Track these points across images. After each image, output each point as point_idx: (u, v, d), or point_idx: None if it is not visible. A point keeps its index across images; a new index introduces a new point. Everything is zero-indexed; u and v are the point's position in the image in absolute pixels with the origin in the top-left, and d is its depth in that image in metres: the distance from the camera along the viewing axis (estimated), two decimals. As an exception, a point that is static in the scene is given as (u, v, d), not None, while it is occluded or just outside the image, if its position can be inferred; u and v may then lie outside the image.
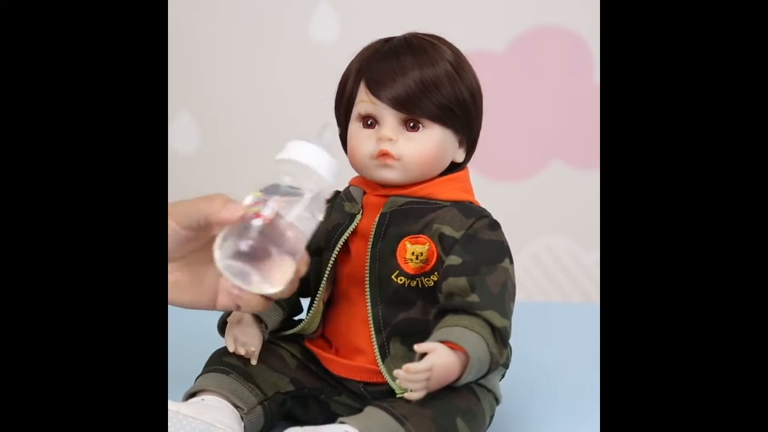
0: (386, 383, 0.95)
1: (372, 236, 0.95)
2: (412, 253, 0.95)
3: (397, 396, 0.91)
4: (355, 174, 0.99)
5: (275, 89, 1.94)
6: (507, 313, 0.92)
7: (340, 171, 0.88)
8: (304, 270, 0.87)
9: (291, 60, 1.92)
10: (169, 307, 0.92)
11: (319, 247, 0.98)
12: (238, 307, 0.90)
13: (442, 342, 0.87)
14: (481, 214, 0.95)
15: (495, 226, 0.95)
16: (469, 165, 1.01)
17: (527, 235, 1.94)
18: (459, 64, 0.96)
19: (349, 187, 1.00)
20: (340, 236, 0.97)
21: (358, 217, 0.97)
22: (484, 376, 0.91)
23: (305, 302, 1.01)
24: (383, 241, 0.95)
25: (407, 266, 0.95)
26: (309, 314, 0.99)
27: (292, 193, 0.85)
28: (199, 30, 1.93)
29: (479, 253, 0.93)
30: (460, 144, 0.98)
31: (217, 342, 0.99)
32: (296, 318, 1.02)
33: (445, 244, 0.94)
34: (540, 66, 1.91)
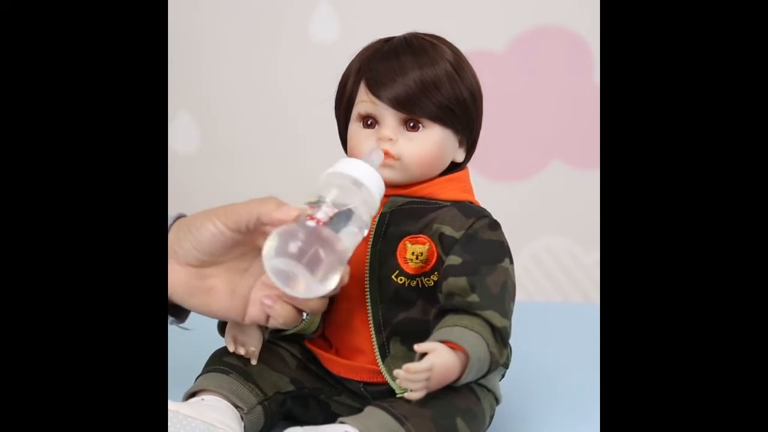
0: (386, 383, 0.95)
1: (372, 236, 0.95)
2: (412, 253, 0.95)
3: (397, 396, 0.91)
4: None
5: (275, 89, 1.94)
6: (507, 313, 0.92)
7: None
8: (346, 280, 0.89)
9: (291, 60, 1.92)
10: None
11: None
12: (267, 320, 0.91)
13: (442, 342, 0.87)
14: (481, 214, 0.95)
15: (495, 226, 0.95)
16: (469, 165, 1.01)
17: (527, 235, 1.94)
18: (459, 64, 0.96)
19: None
20: (341, 236, 0.97)
21: (359, 217, 0.97)
22: (484, 376, 0.91)
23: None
24: (383, 241, 0.95)
25: (407, 266, 0.95)
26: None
27: (342, 205, 0.87)
28: (199, 30, 1.93)
29: (479, 253, 0.93)
30: (460, 144, 0.98)
31: (217, 342, 0.99)
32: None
33: (445, 244, 0.94)
34: (540, 66, 1.91)
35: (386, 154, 0.94)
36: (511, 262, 0.95)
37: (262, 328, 0.98)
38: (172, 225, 0.91)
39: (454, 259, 0.93)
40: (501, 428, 1.00)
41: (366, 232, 0.90)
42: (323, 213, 0.86)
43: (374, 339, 0.96)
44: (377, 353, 0.95)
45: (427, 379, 0.86)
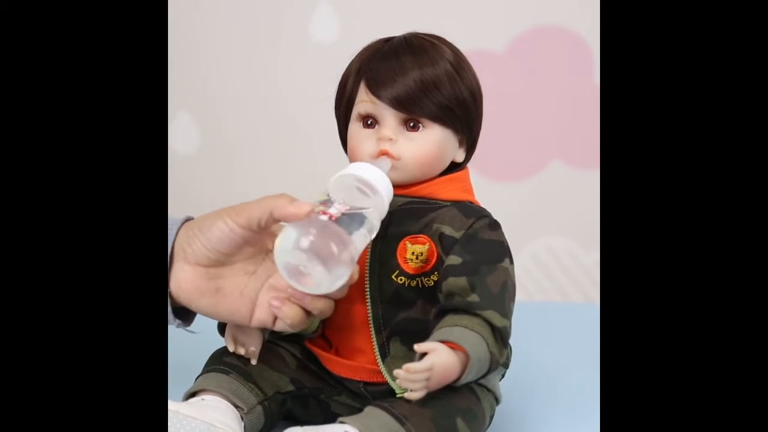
0: (386, 383, 0.95)
1: (372, 236, 0.95)
2: (412, 253, 0.95)
3: (397, 396, 0.91)
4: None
5: (275, 89, 1.94)
6: (507, 313, 0.92)
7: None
8: (356, 278, 0.89)
9: (291, 60, 1.92)
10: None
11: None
12: (274, 323, 0.91)
13: (442, 342, 0.87)
14: (481, 214, 0.95)
15: (495, 226, 0.95)
16: (469, 165, 1.01)
17: (527, 235, 1.94)
18: (459, 64, 0.96)
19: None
20: (341, 236, 0.97)
21: (359, 217, 0.97)
22: (484, 376, 0.91)
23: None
24: (383, 241, 0.95)
25: (407, 266, 0.95)
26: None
27: (354, 207, 0.88)
28: (199, 30, 1.93)
29: (479, 252, 0.93)
30: (460, 144, 0.98)
31: (217, 342, 0.99)
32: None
33: (445, 243, 0.94)
34: (540, 66, 1.91)
35: (386, 154, 0.94)
36: (511, 262, 0.95)
37: (262, 328, 0.98)
38: (180, 227, 0.91)
39: (454, 259, 0.93)
40: (501, 428, 1.00)
41: (374, 235, 0.90)
42: (335, 209, 0.87)
43: (374, 339, 0.96)
44: (377, 353, 0.95)
45: (427, 379, 0.86)
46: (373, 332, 0.96)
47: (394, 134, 0.95)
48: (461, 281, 0.91)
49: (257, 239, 0.91)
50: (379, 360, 0.95)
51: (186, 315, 0.94)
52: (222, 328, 0.99)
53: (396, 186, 0.95)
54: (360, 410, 0.91)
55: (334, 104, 1.00)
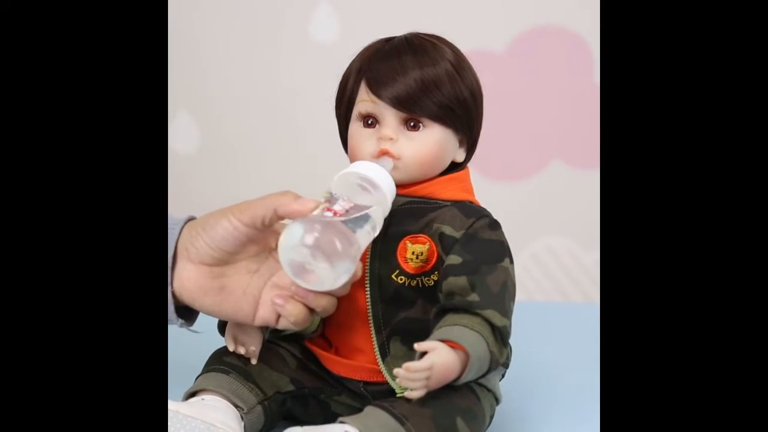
0: (386, 383, 0.95)
1: (372, 236, 0.95)
2: (413, 253, 0.95)
3: (397, 395, 0.91)
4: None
5: (275, 89, 1.94)
6: (507, 313, 0.92)
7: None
8: (359, 275, 0.90)
9: (291, 60, 1.92)
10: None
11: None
12: (277, 321, 0.91)
13: (442, 341, 0.87)
14: (482, 214, 0.95)
15: (495, 225, 0.95)
16: (469, 165, 1.01)
17: (527, 235, 1.94)
18: (460, 64, 0.96)
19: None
20: (341, 236, 0.97)
21: (359, 216, 0.97)
22: (484, 376, 0.91)
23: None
24: (383, 240, 0.95)
25: (407, 266, 0.95)
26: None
27: (358, 205, 0.89)
28: (199, 30, 1.93)
29: (479, 252, 0.93)
30: (461, 144, 0.98)
31: (217, 342, 0.99)
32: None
33: (445, 243, 0.94)
34: (540, 66, 1.91)
35: (387, 153, 0.94)
36: (511, 261, 0.95)
37: (263, 328, 0.98)
38: (183, 226, 0.91)
39: (454, 259, 0.93)
40: (501, 428, 1.00)
41: (377, 233, 0.90)
42: (340, 206, 0.87)
43: (374, 338, 0.96)
44: (377, 353, 0.95)
45: (427, 378, 0.86)
46: (373, 332, 0.96)
47: (395, 134, 0.95)
48: (461, 281, 0.91)
49: (261, 237, 0.91)
50: (379, 359, 0.95)
51: (189, 314, 0.94)
52: (222, 327, 0.99)
53: (396, 185, 0.95)
54: (360, 410, 0.91)
55: (334, 104, 1.00)
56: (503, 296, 0.92)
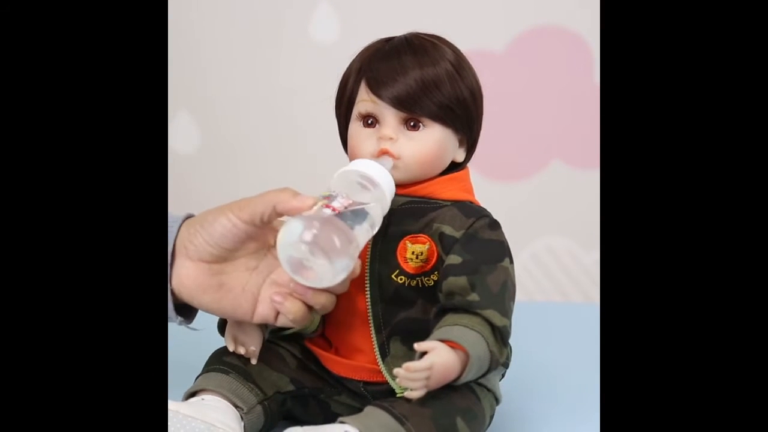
0: (386, 383, 0.95)
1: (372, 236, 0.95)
2: (413, 253, 0.95)
3: (397, 395, 0.91)
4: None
5: (275, 89, 1.94)
6: (507, 312, 0.92)
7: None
8: (358, 272, 0.90)
9: (291, 60, 1.92)
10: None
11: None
12: (276, 318, 0.91)
13: (442, 341, 0.87)
14: (481, 214, 0.95)
15: (495, 225, 0.95)
16: (469, 165, 1.01)
17: (527, 235, 1.94)
18: (460, 64, 0.97)
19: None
20: (341, 236, 0.97)
21: (359, 216, 0.97)
22: (484, 375, 0.91)
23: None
24: (383, 240, 0.95)
25: (407, 265, 0.95)
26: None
27: (357, 202, 0.89)
28: (199, 30, 1.93)
29: (479, 252, 0.93)
30: (461, 143, 0.98)
31: (217, 342, 0.99)
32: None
33: (445, 243, 0.94)
34: (540, 66, 1.91)
35: (387, 153, 0.94)
36: (511, 261, 0.95)
37: (263, 328, 0.98)
38: (181, 224, 0.91)
39: (454, 259, 0.93)
40: (501, 428, 1.00)
41: (376, 231, 0.90)
42: (339, 203, 0.87)
43: (374, 338, 0.96)
44: (377, 353, 0.95)
45: (427, 378, 0.86)
46: (373, 332, 0.96)
47: (395, 133, 0.95)
48: (461, 280, 0.91)
49: (260, 234, 0.91)
50: (379, 359, 0.95)
51: (188, 312, 0.94)
52: (222, 327, 0.99)
53: (396, 185, 0.95)
54: (360, 410, 0.91)
55: (334, 104, 1.00)
56: (503, 296, 0.92)
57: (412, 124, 0.95)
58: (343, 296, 0.96)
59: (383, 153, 0.94)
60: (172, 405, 0.89)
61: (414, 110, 0.94)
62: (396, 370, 0.87)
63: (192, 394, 0.95)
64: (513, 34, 1.89)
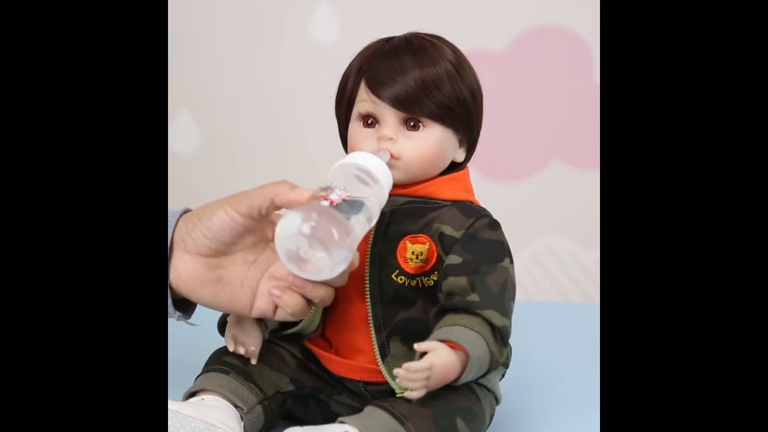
0: (386, 383, 0.95)
1: (372, 235, 0.95)
2: (413, 253, 0.95)
3: (397, 395, 0.91)
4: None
5: (275, 89, 1.94)
6: (507, 312, 0.92)
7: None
8: (356, 265, 0.89)
9: (291, 60, 1.92)
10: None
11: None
12: (274, 312, 0.91)
13: (442, 341, 0.87)
14: (481, 214, 0.95)
15: (495, 225, 0.95)
16: (469, 165, 1.01)
17: (527, 235, 1.94)
18: (460, 64, 0.97)
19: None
20: (341, 236, 0.97)
21: (359, 216, 0.97)
22: (484, 376, 0.91)
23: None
24: (383, 240, 0.95)
25: (407, 266, 0.95)
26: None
27: (354, 195, 0.89)
28: (199, 30, 1.93)
29: (479, 252, 0.93)
30: (461, 143, 0.98)
31: (217, 342, 0.99)
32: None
33: (445, 243, 0.94)
34: (540, 66, 1.91)
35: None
36: (511, 261, 0.95)
37: (262, 328, 0.98)
38: (179, 218, 0.91)
39: (454, 259, 0.93)
40: (501, 428, 1.00)
41: (373, 224, 0.90)
42: (336, 195, 0.87)
43: (374, 338, 0.96)
44: (377, 353, 0.95)
45: (427, 378, 0.86)
46: (372, 332, 0.96)
47: (395, 133, 0.95)
48: (461, 281, 0.91)
49: (258, 228, 0.91)
50: (379, 359, 0.95)
51: (186, 307, 0.94)
52: (222, 327, 0.99)
53: (396, 185, 0.95)
54: (360, 410, 0.91)
55: (334, 104, 1.00)
56: (503, 296, 0.92)
57: (412, 124, 0.95)
58: (343, 296, 0.96)
59: (383, 152, 0.94)
60: (172, 405, 0.89)
61: (414, 110, 0.94)
62: (396, 371, 0.87)
63: (192, 394, 0.95)
64: (513, 34, 1.89)
